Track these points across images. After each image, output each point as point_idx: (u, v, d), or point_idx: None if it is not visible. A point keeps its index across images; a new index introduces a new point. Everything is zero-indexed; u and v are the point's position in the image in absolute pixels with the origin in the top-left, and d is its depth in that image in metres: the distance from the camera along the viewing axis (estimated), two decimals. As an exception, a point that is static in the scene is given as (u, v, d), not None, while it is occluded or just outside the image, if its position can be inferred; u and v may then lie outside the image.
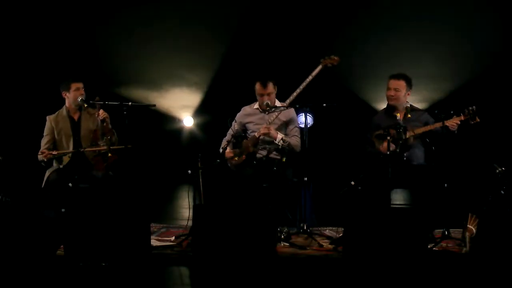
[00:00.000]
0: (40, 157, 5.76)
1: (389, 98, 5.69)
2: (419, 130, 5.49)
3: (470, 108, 5.34)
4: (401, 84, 5.66)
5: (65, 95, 5.92)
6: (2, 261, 4.49)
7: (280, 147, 5.56)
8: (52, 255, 4.66)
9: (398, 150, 5.33)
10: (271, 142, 5.70)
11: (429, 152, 5.64)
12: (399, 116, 5.43)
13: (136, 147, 5.50)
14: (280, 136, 5.64)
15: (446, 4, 8.07)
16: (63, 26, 8.36)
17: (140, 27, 8.54)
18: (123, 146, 5.50)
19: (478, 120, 5.34)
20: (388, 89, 5.68)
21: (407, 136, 5.39)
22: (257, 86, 5.77)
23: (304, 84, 5.64)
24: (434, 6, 8.10)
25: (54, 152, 5.75)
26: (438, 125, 5.40)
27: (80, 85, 5.87)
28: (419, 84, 7.76)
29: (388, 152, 5.28)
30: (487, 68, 8.07)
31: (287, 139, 5.65)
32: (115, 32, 8.51)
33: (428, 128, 5.50)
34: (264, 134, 5.65)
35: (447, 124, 5.34)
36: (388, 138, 5.32)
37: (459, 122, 5.37)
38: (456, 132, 5.39)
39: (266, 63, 8.21)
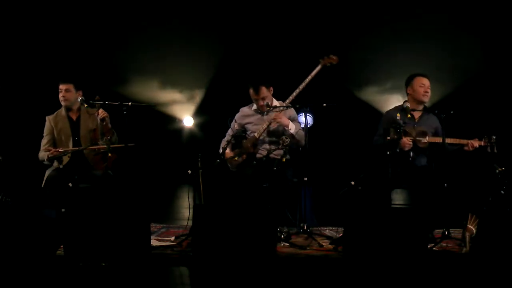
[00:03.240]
0: (42, 154, 5.77)
1: (423, 95, 5.66)
2: (432, 140, 5.49)
3: (493, 137, 5.39)
4: (429, 82, 5.72)
5: None
6: (2, 261, 4.49)
7: (280, 146, 5.55)
8: (52, 255, 4.66)
9: (411, 152, 5.35)
10: (272, 142, 5.70)
11: (431, 156, 5.63)
12: (399, 116, 5.42)
13: (136, 147, 5.50)
14: (292, 124, 5.64)
15: (447, 4, 8.07)
16: (64, 26, 8.36)
17: (141, 28, 8.55)
18: (123, 145, 5.49)
19: (495, 151, 5.38)
20: (421, 85, 5.67)
21: (424, 141, 5.41)
22: (250, 91, 5.77)
23: (303, 84, 5.64)
24: (435, 7, 8.09)
25: (61, 149, 5.74)
26: (452, 141, 5.43)
27: (62, 86, 5.87)
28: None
29: (388, 152, 5.29)
30: (488, 67, 8.07)
31: (296, 128, 5.64)
32: (116, 32, 8.51)
33: (440, 139, 5.47)
34: (275, 119, 5.62)
35: (467, 143, 5.38)
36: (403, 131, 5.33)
37: (477, 146, 5.41)
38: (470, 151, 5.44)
39: (266, 63, 8.21)
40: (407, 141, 5.42)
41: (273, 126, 5.69)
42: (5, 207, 5.33)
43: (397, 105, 5.85)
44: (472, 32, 8.00)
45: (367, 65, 8.30)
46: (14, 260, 4.51)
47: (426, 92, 5.68)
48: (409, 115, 5.52)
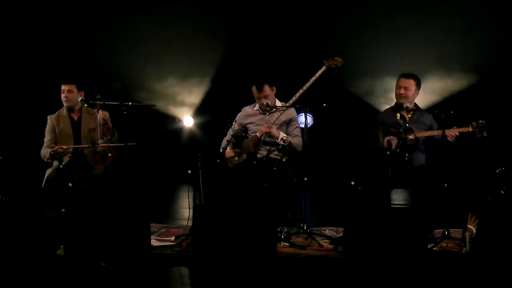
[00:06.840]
0: (45, 151, 5.76)
1: (398, 96, 5.68)
2: (422, 134, 5.50)
3: (480, 122, 5.34)
4: (411, 83, 5.67)
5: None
6: (2, 261, 4.50)
7: (280, 146, 5.55)
8: (52, 255, 4.66)
9: (398, 150, 5.33)
10: (272, 142, 5.69)
11: (430, 156, 5.64)
12: (398, 116, 5.43)
13: (136, 146, 5.50)
14: (281, 135, 5.64)
15: (447, 2, 8.05)
16: (64, 25, 8.36)
17: (141, 27, 8.54)
18: (124, 144, 5.49)
19: (485, 134, 5.34)
20: (398, 87, 5.68)
21: (411, 137, 5.40)
22: (253, 89, 5.77)
23: (307, 85, 5.62)
24: (436, 5, 8.08)
25: (65, 147, 5.73)
26: (439, 132, 5.41)
27: (65, 87, 5.86)
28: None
29: (388, 152, 5.30)
30: (488, 67, 8.05)
31: (289, 138, 5.64)
32: (115, 32, 8.50)
33: (430, 133, 5.51)
34: (266, 133, 5.64)
35: (446, 133, 5.34)
36: (395, 132, 5.33)
37: (458, 134, 5.38)
38: (453, 142, 5.39)
39: (268, 63, 8.20)
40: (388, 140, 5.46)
41: (263, 135, 5.67)
42: (5, 207, 5.33)
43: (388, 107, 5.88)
44: (473, 33, 7.98)
45: (367, 64, 8.28)
46: (14, 260, 4.51)
47: (401, 93, 5.65)
48: (398, 115, 5.49)
